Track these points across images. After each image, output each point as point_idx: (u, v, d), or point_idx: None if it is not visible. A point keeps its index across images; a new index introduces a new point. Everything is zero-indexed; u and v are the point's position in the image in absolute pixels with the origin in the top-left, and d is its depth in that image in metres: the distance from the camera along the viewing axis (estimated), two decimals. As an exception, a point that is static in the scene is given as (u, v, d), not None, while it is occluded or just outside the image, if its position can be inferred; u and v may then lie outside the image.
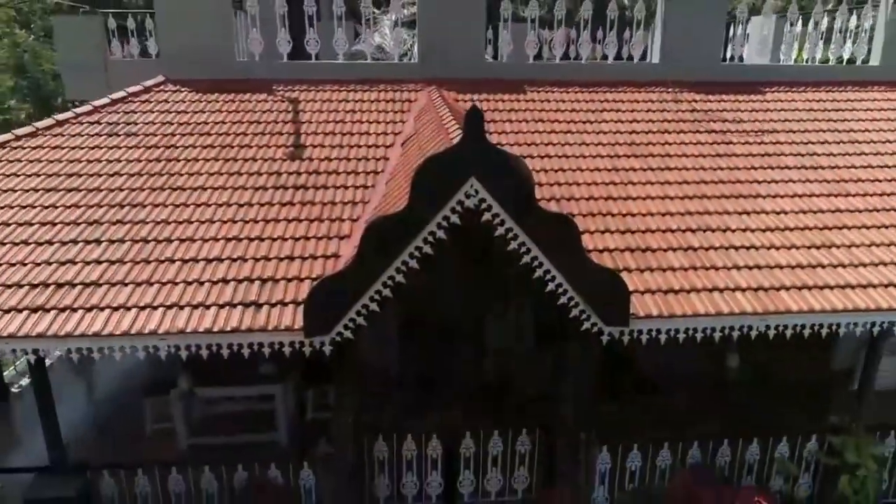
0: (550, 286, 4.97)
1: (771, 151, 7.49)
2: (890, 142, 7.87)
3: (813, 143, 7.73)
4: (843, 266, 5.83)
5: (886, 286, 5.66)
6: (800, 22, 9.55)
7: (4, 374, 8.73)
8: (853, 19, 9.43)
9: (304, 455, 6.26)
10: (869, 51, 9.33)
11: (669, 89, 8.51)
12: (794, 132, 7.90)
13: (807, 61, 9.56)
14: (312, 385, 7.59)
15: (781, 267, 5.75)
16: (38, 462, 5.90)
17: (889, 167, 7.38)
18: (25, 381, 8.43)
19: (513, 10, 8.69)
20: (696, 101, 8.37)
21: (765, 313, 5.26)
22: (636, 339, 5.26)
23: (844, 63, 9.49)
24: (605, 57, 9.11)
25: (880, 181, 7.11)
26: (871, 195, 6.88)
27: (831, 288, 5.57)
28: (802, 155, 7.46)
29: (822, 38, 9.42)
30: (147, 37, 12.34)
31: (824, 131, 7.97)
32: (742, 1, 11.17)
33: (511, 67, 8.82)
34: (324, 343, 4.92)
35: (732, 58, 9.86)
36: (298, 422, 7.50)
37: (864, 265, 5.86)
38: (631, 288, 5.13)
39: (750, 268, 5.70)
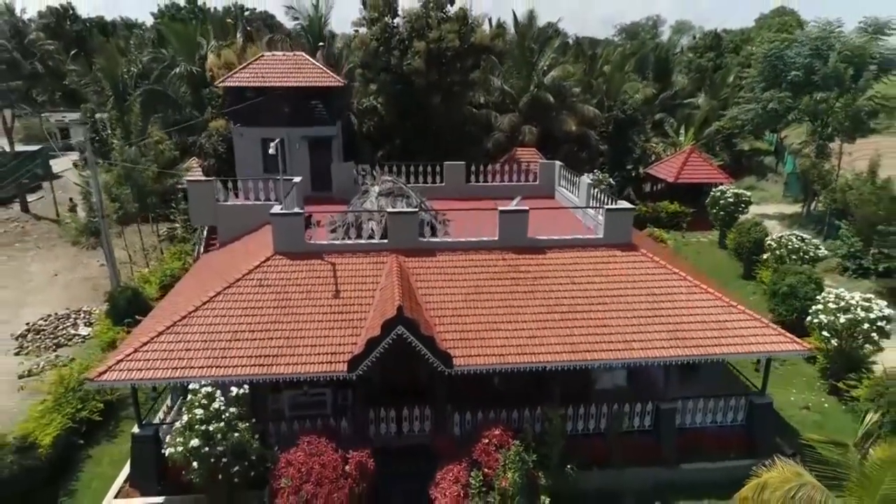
0: (427, 357, 15.28)
1: (538, 289, 17.83)
2: (593, 282, 18.25)
3: (557, 284, 18.09)
4: (547, 344, 16.19)
5: (563, 352, 16.02)
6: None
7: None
8: (598, 215, 19.99)
9: (342, 415, 16.64)
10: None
11: (499, 253, 18.88)
12: (549, 277, 18.26)
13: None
14: (340, 390, 17.98)
15: (519, 345, 16.10)
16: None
17: (589, 298, 17.73)
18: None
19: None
20: (512, 261, 18.72)
21: (501, 363, 15.67)
22: (457, 373, 15.58)
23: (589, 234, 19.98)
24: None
25: (580, 306, 17.47)
26: (576, 313, 17.22)
27: (536, 354, 15.95)
28: (552, 292, 17.81)
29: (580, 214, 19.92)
30: (238, 191, 23.20)
31: (564, 278, 18.34)
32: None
33: (430, 243, 19.16)
34: (354, 375, 15.20)
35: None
36: (335, 406, 17.87)
37: (559, 344, 16.22)
38: (454, 354, 15.47)
39: (505, 346, 16.05)
